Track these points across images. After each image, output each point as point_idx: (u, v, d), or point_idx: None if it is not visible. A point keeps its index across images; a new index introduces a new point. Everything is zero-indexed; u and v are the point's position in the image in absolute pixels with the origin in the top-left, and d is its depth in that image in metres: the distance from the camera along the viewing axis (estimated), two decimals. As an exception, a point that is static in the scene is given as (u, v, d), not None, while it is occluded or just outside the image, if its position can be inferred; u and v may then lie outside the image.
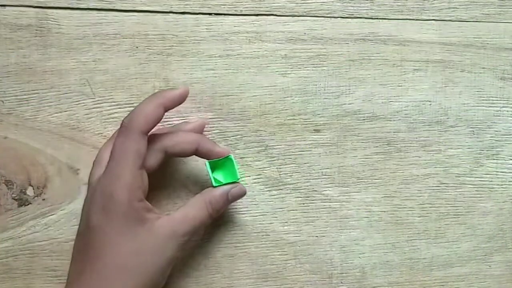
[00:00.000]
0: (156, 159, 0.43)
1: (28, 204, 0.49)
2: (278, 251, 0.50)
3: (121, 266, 0.39)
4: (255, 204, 0.50)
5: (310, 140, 0.51)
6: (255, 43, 0.51)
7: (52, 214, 0.49)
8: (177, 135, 0.44)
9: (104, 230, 0.40)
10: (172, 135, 0.43)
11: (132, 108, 0.50)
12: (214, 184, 0.44)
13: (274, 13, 0.51)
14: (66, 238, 0.49)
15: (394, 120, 0.52)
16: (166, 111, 0.43)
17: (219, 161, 0.44)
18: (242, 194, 0.45)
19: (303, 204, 0.51)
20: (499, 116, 0.53)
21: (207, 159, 0.44)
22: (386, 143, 0.52)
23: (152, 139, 0.43)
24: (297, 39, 0.51)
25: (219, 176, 0.45)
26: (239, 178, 0.45)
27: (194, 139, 0.43)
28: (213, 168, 0.44)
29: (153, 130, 0.43)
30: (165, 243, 0.40)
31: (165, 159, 0.43)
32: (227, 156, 0.44)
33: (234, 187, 0.44)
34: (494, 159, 0.52)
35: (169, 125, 0.50)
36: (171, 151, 0.43)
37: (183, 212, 0.42)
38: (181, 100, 0.44)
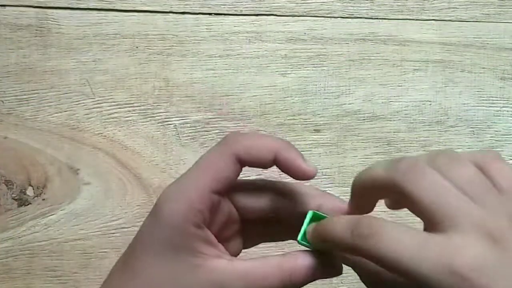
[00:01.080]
0: (230, 170, 0.31)
1: (28, 204, 0.49)
2: (279, 251, 0.50)
3: None
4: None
5: (310, 140, 0.51)
6: (255, 43, 0.51)
7: (52, 214, 0.49)
8: (251, 136, 0.32)
9: (145, 246, 0.31)
10: (243, 137, 0.32)
11: (132, 109, 0.50)
12: (299, 239, 0.32)
13: (274, 13, 0.51)
14: (66, 238, 0.49)
15: (394, 120, 0.52)
16: (270, 164, 0.32)
17: (322, 216, 0.32)
18: (329, 274, 0.32)
19: (303, 204, 0.51)
20: (499, 116, 0.53)
21: (290, 175, 0.32)
22: (386, 143, 0.52)
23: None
24: (297, 39, 0.51)
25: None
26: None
27: (272, 142, 0.32)
28: (314, 221, 0.32)
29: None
30: None
31: (240, 166, 0.32)
32: (310, 217, 0.32)
33: (323, 265, 0.31)
34: (494, 159, 0.52)
35: (168, 125, 0.50)
36: (245, 157, 0.31)
37: (250, 266, 0.31)
38: (297, 174, 0.32)
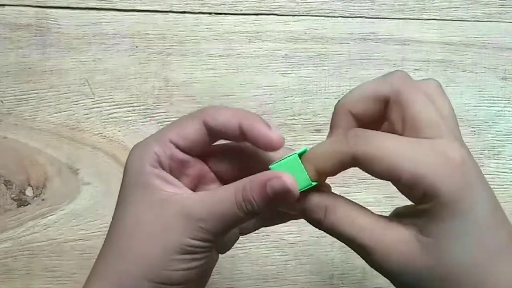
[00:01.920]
0: (195, 131, 0.32)
1: (27, 205, 0.49)
2: (279, 252, 0.50)
3: (116, 242, 0.32)
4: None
5: (310, 140, 0.51)
6: (255, 42, 0.51)
7: (52, 215, 0.49)
8: (220, 107, 0.33)
9: (119, 195, 0.33)
10: (213, 107, 0.33)
11: (132, 108, 0.50)
12: (271, 166, 0.32)
13: (275, 12, 0.51)
14: (65, 238, 0.48)
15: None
16: (236, 132, 0.32)
17: (283, 163, 0.31)
18: (285, 190, 0.30)
19: (304, 204, 0.50)
20: (500, 116, 0.53)
21: (258, 146, 0.32)
22: (387, 143, 0.52)
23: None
24: (297, 38, 0.51)
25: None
26: (312, 183, 0.31)
27: (239, 111, 0.32)
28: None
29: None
30: (171, 223, 0.31)
31: (208, 134, 0.33)
32: (292, 156, 0.31)
33: (278, 177, 0.30)
34: (495, 159, 0.52)
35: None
36: (211, 123, 0.32)
37: (208, 194, 0.32)
38: (264, 142, 0.32)
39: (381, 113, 0.31)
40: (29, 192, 0.49)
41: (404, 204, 0.32)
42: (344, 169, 0.30)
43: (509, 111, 0.53)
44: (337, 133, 0.31)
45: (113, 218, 0.33)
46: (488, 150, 0.52)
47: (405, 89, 0.30)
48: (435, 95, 0.30)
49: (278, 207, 0.32)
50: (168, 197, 0.31)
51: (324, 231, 0.31)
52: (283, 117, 0.51)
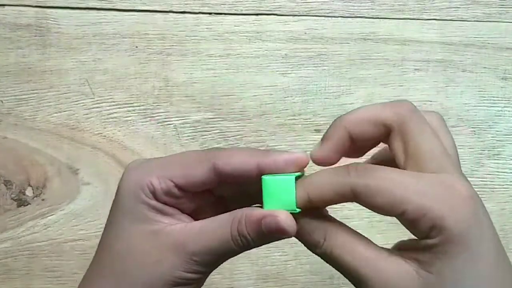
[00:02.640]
0: (202, 175, 0.30)
1: (27, 205, 0.49)
2: (279, 252, 0.50)
3: (110, 272, 0.31)
4: (255, 205, 0.50)
5: (310, 140, 0.51)
6: (255, 42, 0.51)
7: (52, 215, 0.49)
8: (231, 149, 0.32)
9: (108, 218, 0.33)
10: (224, 149, 0.32)
11: (131, 108, 0.50)
12: (265, 207, 0.31)
13: (275, 12, 0.51)
14: (65, 238, 0.48)
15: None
16: (253, 173, 0.30)
17: (277, 179, 0.30)
18: (280, 230, 0.29)
19: (304, 204, 0.50)
20: (500, 116, 0.53)
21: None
22: (387, 143, 0.52)
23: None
24: (297, 38, 0.51)
25: (273, 199, 0.31)
26: (296, 209, 0.30)
27: (253, 151, 0.31)
28: (269, 188, 0.31)
29: None
30: (164, 255, 0.30)
31: (216, 179, 0.31)
32: (288, 176, 0.30)
33: (273, 216, 0.29)
34: (495, 159, 0.52)
35: (168, 125, 0.50)
36: (222, 167, 0.30)
37: (202, 226, 0.31)
38: (282, 167, 0.30)
39: (378, 138, 0.30)
40: (29, 192, 0.49)
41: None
42: (341, 202, 0.29)
43: (509, 111, 0.53)
44: (328, 147, 0.30)
45: (104, 238, 0.32)
46: (488, 150, 0.52)
47: (411, 120, 0.29)
48: (439, 130, 0.30)
49: (274, 240, 0.31)
50: (162, 229, 0.31)
51: (319, 255, 0.30)
52: (283, 117, 0.51)
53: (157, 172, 0.31)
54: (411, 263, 0.28)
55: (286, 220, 0.29)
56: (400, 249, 0.30)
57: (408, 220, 0.27)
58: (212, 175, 0.30)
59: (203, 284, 0.32)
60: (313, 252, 0.30)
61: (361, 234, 0.30)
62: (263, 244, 0.30)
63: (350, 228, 0.30)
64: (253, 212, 0.30)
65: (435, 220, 0.26)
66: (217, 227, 0.30)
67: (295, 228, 0.29)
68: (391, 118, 0.29)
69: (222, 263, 0.31)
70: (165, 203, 0.31)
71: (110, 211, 0.32)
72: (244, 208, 0.30)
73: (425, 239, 0.27)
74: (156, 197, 0.31)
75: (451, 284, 0.27)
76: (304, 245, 0.31)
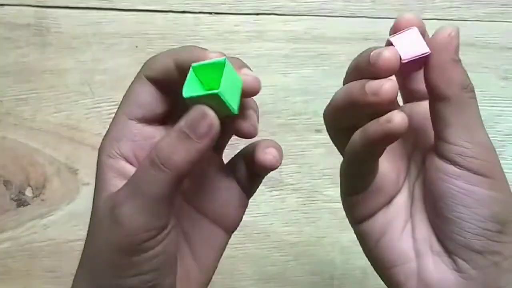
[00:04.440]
0: (147, 93, 0.28)
1: (27, 205, 0.48)
2: (279, 252, 0.50)
3: (85, 248, 0.30)
4: (255, 205, 0.50)
5: (311, 140, 0.51)
6: (256, 42, 0.51)
7: (51, 215, 0.49)
8: (155, 56, 0.29)
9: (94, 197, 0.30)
10: (150, 59, 0.30)
11: (131, 108, 0.50)
12: (184, 95, 0.25)
13: (275, 12, 0.51)
14: (65, 239, 0.48)
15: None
16: (179, 70, 0.27)
17: (207, 66, 0.26)
18: (201, 114, 0.25)
19: (304, 204, 0.50)
20: (501, 116, 0.53)
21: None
22: (388, 143, 0.52)
23: None
24: (298, 38, 0.51)
25: (196, 84, 0.26)
26: (220, 90, 0.25)
27: (170, 53, 0.28)
28: (197, 76, 0.27)
29: None
30: (103, 225, 0.28)
31: (159, 94, 0.28)
32: (219, 61, 0.26)
33: (185, 116, 0.26)
34: (496, 160, 0.52)
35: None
36: (151, 75, 0.28)
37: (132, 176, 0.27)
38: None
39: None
40: (28, 192, 0.49)
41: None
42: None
43: (510, 111, 0.53)
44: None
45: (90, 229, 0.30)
46: (489, 150, 0.52)
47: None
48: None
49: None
50: (108, 195, 0.28)
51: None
52: (283, 117, 0.51)
53: (113, 124, 0.29)
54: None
55: (201, 111, 0.26)
56: None
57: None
58: (152, 88, 0.28)
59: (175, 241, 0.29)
60: (443, 65, 0.29)
61: None
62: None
63: None
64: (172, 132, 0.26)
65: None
66: (138, 168, 0.27)
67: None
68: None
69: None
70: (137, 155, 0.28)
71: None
72: (161, 138, 0.27)
73: None
74: (123, 149, 0.28)
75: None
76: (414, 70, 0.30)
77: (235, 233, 0.51)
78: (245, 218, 0.51)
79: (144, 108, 0.28)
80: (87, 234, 0.29)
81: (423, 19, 0.53)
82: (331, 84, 0.52)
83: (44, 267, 0.48)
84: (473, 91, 0.29)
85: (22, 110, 0.49)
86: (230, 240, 0.51)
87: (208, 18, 0.51)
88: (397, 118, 0.26)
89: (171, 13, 0.50)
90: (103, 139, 0.29)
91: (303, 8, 0.51)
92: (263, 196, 0.50)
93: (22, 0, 0.49)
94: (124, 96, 0.29)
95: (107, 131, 0.29)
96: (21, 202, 0.48)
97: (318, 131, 0.51)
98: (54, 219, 0.49)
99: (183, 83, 0.26)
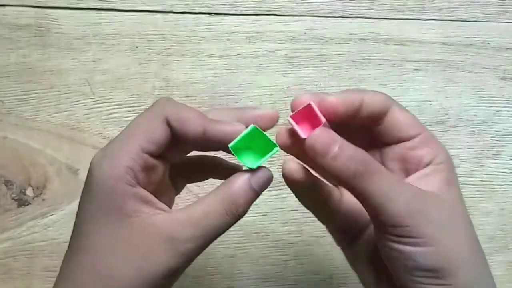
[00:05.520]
0: (162, 132, 0.30)
1: (27, 205, 0.49)
2: (279, 252, 0.50)
3: (92, 269, 0.29)
4: (255, 204, 0.49)
5: (310, 140, 0.51)
6: (255, 42, 0.51)
7: (52, 215, 0.49)
8: (181, 105, 0.31)
9: (80, 217, 0.30)
10: (174, 104, 0.31)
11: (132, 108, 0.50)
12: (232, 145, 0.31)
13: (275, 12, 0.51)
14: (65, 238, 0.48)
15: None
16: (197, 136, 0.31)
17: (243, 140, 0.31)
18: (269, 178, 0.32)
19: (304, 204, 0.50)
20: (499, 116, 0.53)
21: (222, 147, 0.31)
22: (387, 143, 0.52)
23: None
24: (297, 39, 0.51)
25: (250, 157, 0.32)
26: (277, 147, 0.31)
27: (201, 115, 0.31)
28: (239, 151, 0.31)
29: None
30: (154, 248, 0.29)
31: (171, 134, 0.31)
32: (250, 130, 0.31)
33: (255, 173, 0.31)
34: (494, 159, 0.52)
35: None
36: (174, 123, 0.30)
37: (190, 210, 0.30)
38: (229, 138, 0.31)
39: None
40: (29, 192, 0.49)
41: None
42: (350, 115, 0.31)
43: (508, 111, 0.53)
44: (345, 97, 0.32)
45: (78, 237, 0.30)
46: (488, 150, 0.52)
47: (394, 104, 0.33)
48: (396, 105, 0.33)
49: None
50: (145, 219, 0.29)
51: (328, 166, 0.29)
52: (283, 117, 0.51)
53: (126, 148, 0.30)
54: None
55: (267, 172, 0.32)
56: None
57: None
58: (168, 130, 0.30)
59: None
60: (321, 162, 0.29)
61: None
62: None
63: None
64: (235, 184, 0.31)
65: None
66: (208, 211, 0.30)
67: (301, 175, 0.31)
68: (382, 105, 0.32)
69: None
70: (142, 184, 0.30)
71: (83, 209, 0.30)
72: (224, 185, 0.31)
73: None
74: (137, 181, 0.30)
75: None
76: (311, 156, 0.30)
77: (234, 232, 0.51)
78: (244, 217, 0.51)
79: (156, 146, 0.30)
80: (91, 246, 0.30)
81: (422, 19, 0.54)
82: (330, 85, 0.52)
83: (44, 267, 0.48)
84: (366, 165, 0.29)
85: (23, 110, 0.49)
86: (229, 239, 0.51)
87: (208, 18, 0.51)
88: (286, 165, 0.32)
89: (171, 14, 0.51)
90: (106, 159, 0.30)
91: (302, 9, 0.52)
92: (263, 196, 0.49)
93: (23, 1, 0.49)
94: (137, 125, 0.31)
95: (117, 157, 0.30)
96: (22, 202, 0.49)
97: (317, 131, 0.51)
98: (54, 219, 0.49)
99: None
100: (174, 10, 0.51)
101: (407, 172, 0.32)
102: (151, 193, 0.30)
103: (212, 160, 0.36)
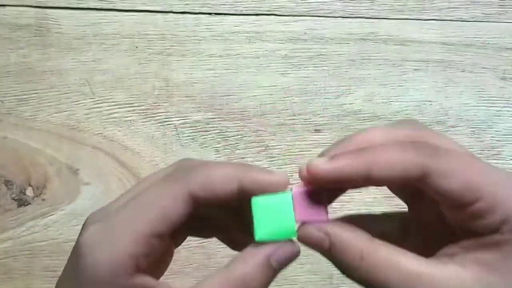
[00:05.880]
0: (177, 210, 0.25)
1: (27, 205, 0.49)
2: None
3: None
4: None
5: (310, 140, 0.51)
6: (255, 42, 0.51)
7: (52, 215, 0.49)
8: (206, 167, 0.26)
9: None
10: (197, 169, 0.26)
11: (132, 108, 0.50)
12: (256, 238, 0.26)
13: (275, 12, 0.51)
14: (65, 238, 0.49)
15: (394, 120, 0.52)
16: (241, 193, 0.25)
17: (270, 199, 0.26)
18: (294, 257, 0.27)
19: (304, 204, 0.50)
20: (499, 116, 0.53)
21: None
22: (387, 143, 0.52)
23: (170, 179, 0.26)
24: (297, 39, 0.51)
25: (267, 225, 0.26)
26: (295, 234, 0.26)
27: (234, 170, 0.25)
28: (260, 210, 0.26)
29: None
30: None
31: (194, 207, 0.25)
32: (284, 193, 0.26)
33: (278, 248, 0.26)
34: (494, 159, 0.52)
35: (168, 125, 0.50)
36: (201, 194, 0.25)
37: None
38: (270, 187, 0.26)
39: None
40: (29, 192, 0.49)
41: (405, 204, 0.29)
42: (400, 183, 0.24)
43: (508, 111, 0.53)
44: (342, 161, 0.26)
45: None
46: (488, 150, 0.52)
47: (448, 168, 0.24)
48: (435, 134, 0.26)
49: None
50: None
51: (356, 279, 0.25)
52: (283, 117, 0.51)
53: (132, 232, 0.24)
54: (471, 268, 0.24)
55: (293, 248, 0.26)
56: (448, 254, 0.25)
57: (479, 210, 0.23)
58: (190, 206, 0.25)
59: None
60: (350, 277, 0.25)
61: (398, 247, 0.25)
62: None
63: (385, 242, 0.25)
64: (249, 263, 0.26)
65: (510, 212, 0.23)
66: None
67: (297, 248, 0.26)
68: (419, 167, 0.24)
69: None
70: (143, 266, 0.25)
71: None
72: (235, 263, 0.26)
73: (492, 234, 0.23)
74: (139, 269, 0.25)
75: None
76: (338, 269, 0.26)
77: (234, 232, 0.51)
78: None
79: (170, 226, 0.25)
80: None
81: (422, 19, 0.54)
82: (330, 84, 0.52)
83: (44, 267, 0.48)
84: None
85: (23, 110, 0.49)
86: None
87: (208, 18, 0.51)
88: (314, 161, 0.26)
89: (171, 14, 0.51)
90: (112, 248, 0.24)
91: (302, 9, 0.52)
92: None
93: (23, 1, 0.49)
94: (152, 196, 0.25)
95: (120, 239, 0.24)
96: (22, 202, 0.49)
97: (317, 131, 0.51)
98: (54, 219, 0.49)
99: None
100: (174, 10, 0.51)
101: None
102: (149, 265, 0.25)
103: (223, 219, 0.31)
